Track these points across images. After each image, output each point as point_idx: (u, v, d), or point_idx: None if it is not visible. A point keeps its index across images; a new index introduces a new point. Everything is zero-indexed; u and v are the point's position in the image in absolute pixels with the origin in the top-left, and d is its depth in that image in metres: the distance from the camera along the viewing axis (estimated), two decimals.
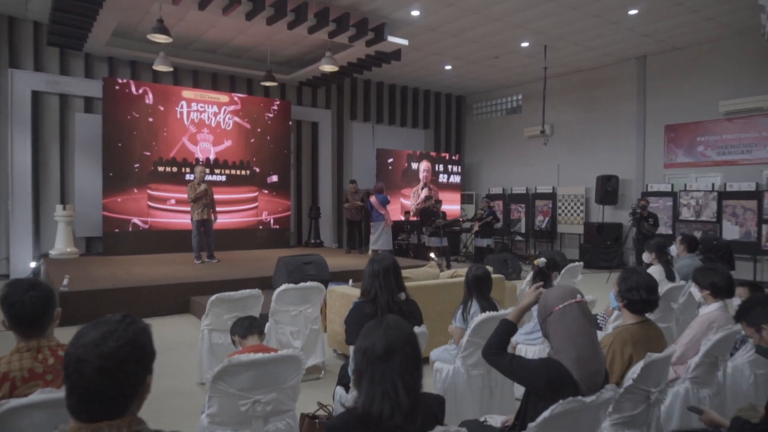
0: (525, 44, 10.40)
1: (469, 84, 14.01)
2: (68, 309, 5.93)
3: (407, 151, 13.61)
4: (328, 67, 9.54)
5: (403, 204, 13.33)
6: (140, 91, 10.19)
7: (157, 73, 10.49)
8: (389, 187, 12.76)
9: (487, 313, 3.29)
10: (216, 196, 9.46)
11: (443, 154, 14.41)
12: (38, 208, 9.68)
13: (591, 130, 12.37)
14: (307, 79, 11.98)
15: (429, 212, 11.53)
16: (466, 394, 3.31)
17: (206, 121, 10.93)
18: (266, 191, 11.74)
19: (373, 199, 10.58)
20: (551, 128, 12.89)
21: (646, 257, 5.06)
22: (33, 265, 9.31)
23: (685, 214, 10.39)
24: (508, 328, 2.24)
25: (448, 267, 10.20)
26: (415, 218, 12.49)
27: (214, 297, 3.97)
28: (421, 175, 13.72)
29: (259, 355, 2.38)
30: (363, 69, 10.97)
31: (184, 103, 10.67)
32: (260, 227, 11.68)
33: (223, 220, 10.83)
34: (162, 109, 10.42)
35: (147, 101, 10.25)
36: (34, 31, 9.53)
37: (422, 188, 13.66)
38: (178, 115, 10.61)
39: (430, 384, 3.55)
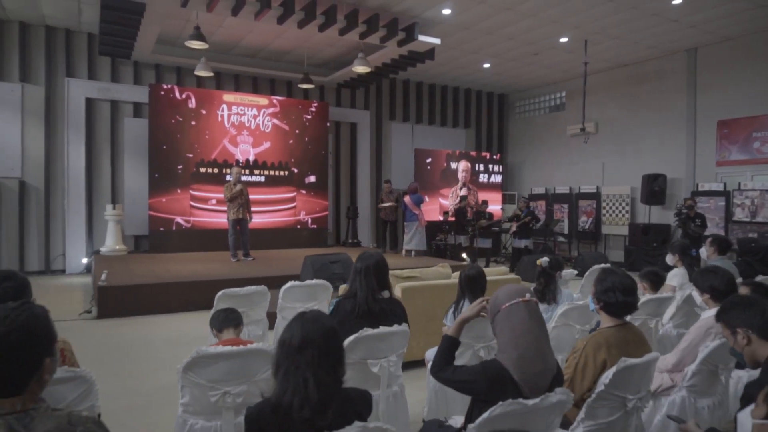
0: (564, 39, 10.10)
1: (509, 82, 13.73)
2: (105, 302, 6.34)
3: (446, 151, 13.50)
4: (360, 68, 9.62)
5: (442, 204, 13.24)
6: (183, 96, 10.65)
7: (202, 78, 10.94)
8: (427, 187, 12.71)
9: None
10: (255, 197, 9.71)
11: (484, 154, 14.19)
12: (91, 207, 10.29)
13: (637, 126, 11.83)
14: (345, 80, 12.11)
15: (464, 212, 11.41)
16: (455, 394, 3.26)
17: (246, 124, 11.28)
18: (304, 191, 11.97)
19: (407, 198, 10.58)
20: (596, 126, 12.43)
21: (669, 259, 4.77)
22: (85, 261, 9.92)
23: (739, 214, 9.76)
24: (450, 344, 2.22)
25: (487, 267, 10.06)
26: (452, 218, 12.39)
27: (220, 293, 4.05)
28: (460, 175, 13.57)
29: (228, 348, 2.45)
30: (398, 69, 10.98)
31: (224, 106, 11.06)
32: (298, 227, 11.92)
33: (262, 219, 11.16)
34: (204, 112, 10.85)
35: (190, 105, 10.70)
36: (87, 42, 10.15)
37: (461, 188, 13.50)
38: (219, 118, 11.01)
39: (423, 384, 3.52)
